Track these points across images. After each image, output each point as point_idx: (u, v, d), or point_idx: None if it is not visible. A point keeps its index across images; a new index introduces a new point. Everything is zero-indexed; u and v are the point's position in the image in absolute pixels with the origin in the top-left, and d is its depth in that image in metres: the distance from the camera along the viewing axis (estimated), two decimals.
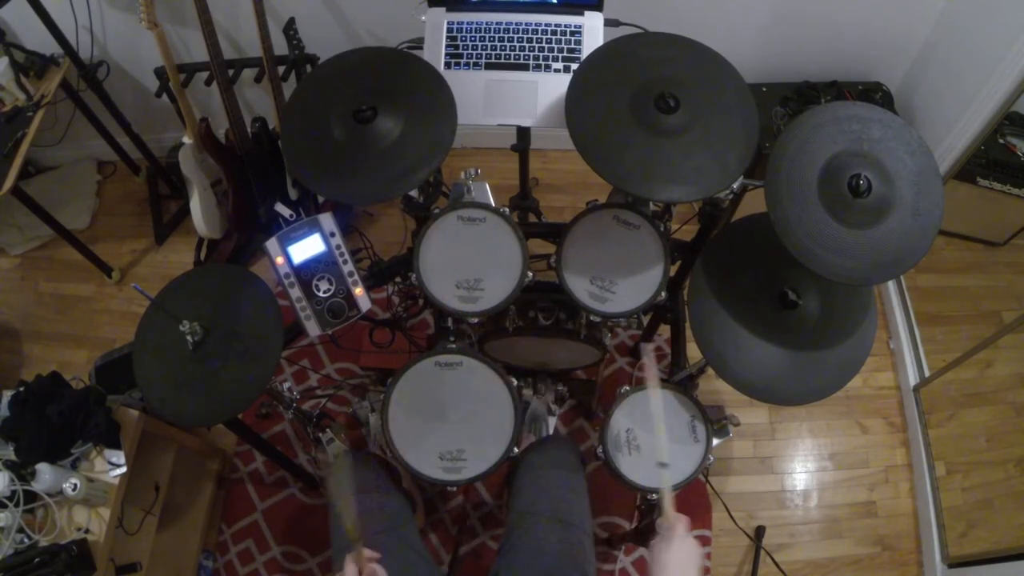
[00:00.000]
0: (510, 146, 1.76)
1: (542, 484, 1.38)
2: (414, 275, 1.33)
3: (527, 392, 1.87)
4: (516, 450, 1.29)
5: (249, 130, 2.07)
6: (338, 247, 1.30)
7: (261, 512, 2.01)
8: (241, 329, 1.27)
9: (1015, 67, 1.72)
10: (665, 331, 2.05)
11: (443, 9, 1.49)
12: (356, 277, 1.31)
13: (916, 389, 2.13)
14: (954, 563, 1.84)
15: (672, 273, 1.38)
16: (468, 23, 1.48)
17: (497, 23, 1.48)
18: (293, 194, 2.23)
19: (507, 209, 1.35)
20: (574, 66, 1.43)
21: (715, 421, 1.36)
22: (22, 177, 2.01)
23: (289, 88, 2.00)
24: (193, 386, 1.25)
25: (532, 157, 1.92)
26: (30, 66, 2.04)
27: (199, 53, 2.07)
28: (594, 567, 1.31)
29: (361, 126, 1.22)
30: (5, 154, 1.92)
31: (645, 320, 1.97)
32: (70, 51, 2.03)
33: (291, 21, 2.01)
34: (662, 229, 1.36)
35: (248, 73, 2.08)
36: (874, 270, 1.10)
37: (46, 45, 2.02)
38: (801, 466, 2.12)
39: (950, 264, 2.30)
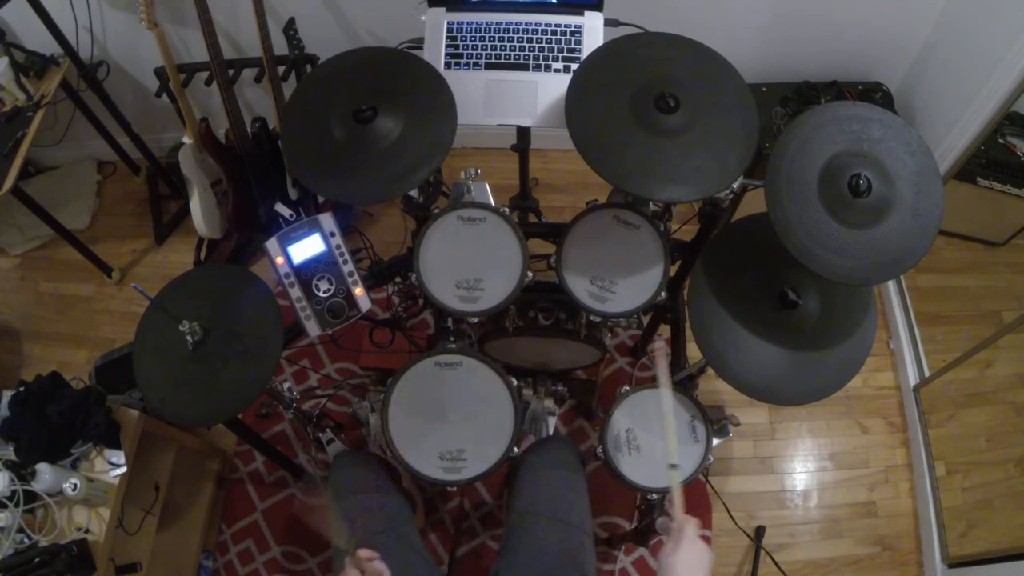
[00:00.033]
0: (510, 146, 1.76)
1: (542, 484, 1.38)
2: (414, 275, 1.33)
3: (527, 392, 1.87)
4: (516, 450, 1.29)
5: (249, 130, 2.07)
6: (338, 247, 1.30)
7: (261, 512, 2.02)
8: (241, 329, 1.27)
9: (1015, 67, 1.72)
10: (665, 331, 2.05)
11: (443, 9, 1.49)
12: (356, 277, 1.31)
13: (916, 389, 2.13)
14: (954, 563, 1.84)
15: (672, 273, 1.38)
16: (468, 23, 1.48)
17: (497, 23, 1.48)
18: (293, 194, 2.23)
19: (507, 209, 1.35)
20: (574, 66, 1.43)
21: (715, 421, 1.36)
22: (22, 177, 2.01)
23: (289, 88, 2.00)
24: (193, 386, 1.25)
25: (532, 157, 1.92)
26: (30, 66, 2.04)
27: (199, 53, 2.07)
28: (594, 567, 1.31)
29: (361, 126, 1.22)
30: (5, 154, 1.92)
31: (645, 320, 1.97)
32: (70, 51, 2.03)
33: (291, 21, 2.01)
34: (662, 229, 1.36)
35: (248, 73, 2.08)
36: (874, 270, 1.10)
37: (46, 45, 2.02)
38: (801, 466, 2.12)
39: (950, 264, 2.29)
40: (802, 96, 2.12)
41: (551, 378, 1.91)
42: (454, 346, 1.35)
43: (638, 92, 1.20)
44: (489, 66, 1.47)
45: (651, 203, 1.41)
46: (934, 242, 1.10)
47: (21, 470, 1.40)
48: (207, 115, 2.02)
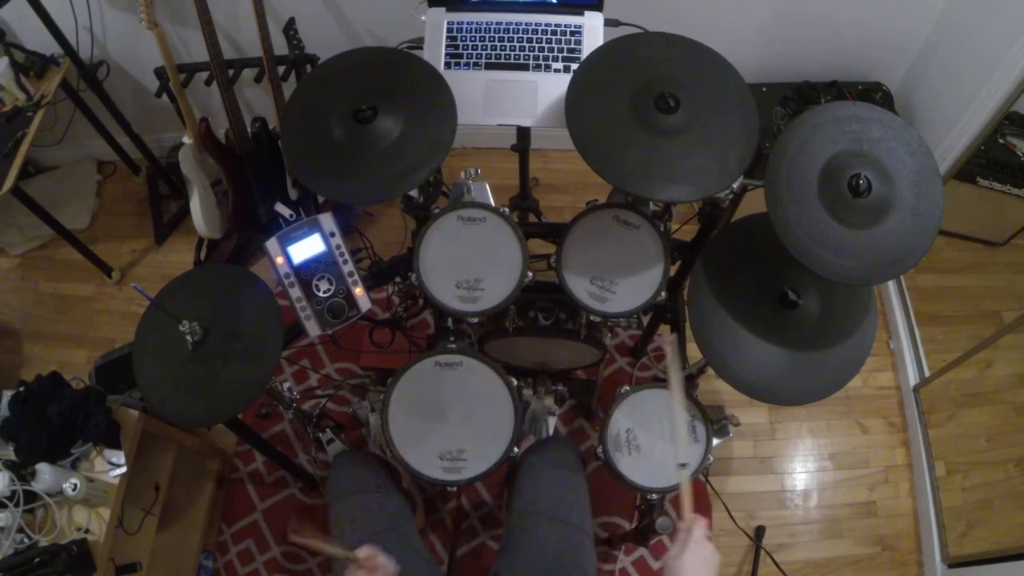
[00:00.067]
0: (510, 146, 1.76)
1: (542, 484, 1.38)
2: (414, 275, 1.33)
3: (527, 392, 1.87)
4: (516, 450, 1.29)
5: (249, 130, 2.07)
6: (338, 247, 1.30)
7: (261, 512, 2.01)
8: (241, 329, 1.27)
9: (1015, 67, 1.72)
10: (665, 331, 2.05)
11: (443, 9, 1.49)
12: (356, 277, 1.31)
13: (916, 389, 2.13)
14: (954, 563, 1.84)
15: (672, 273, 1.38)
16: (468, 23, 1.48)
17: (497, 23, 1.48)
18: (293, 194, 2.23)
19: (507, 209, 1.35)
20: (574, 66, 1.43)
21: (715, 421, 1.36)
22: (22, 177, 2.01)
23: (289, 88, 2.00)
24: (193, 386, 1.25)
25: (532, 157, 1.92)
26: (30, 66, 2.04)
27: (199, 53, 2.07)
28: (594, 567, 1.31)
29: (361, 126, 1.22)
30: (5, 154, 1.92)
31: (645, 320, 1.97)
32: (70, 51, 2.03)
33: (291, 21, 2.01)
34: (662, 229, 1.36)
35: (248, 73, 2.08)
36: (874, 270, 1.10)
37: (46, 45, 2.02)
38: (801, 466, 2.12)
39: (950, 264, 2.29)
40: (802, 96, 2.12)
41: (551, 378, 1.91)
42: (454, 346, 1.36)
43: (638, 92, 1.20)
44: (489, 66, 1.47)
45: (651, 203, 1.41)
46: (934, 242, 1.10)
47: (21, 470, 1.40)
48: (207, 115, 2.02)
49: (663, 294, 1.33)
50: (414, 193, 1.40)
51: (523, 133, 1.72)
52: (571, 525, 1.31)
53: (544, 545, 1.28)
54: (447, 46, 1.48)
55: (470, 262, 1.34)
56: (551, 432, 1.89)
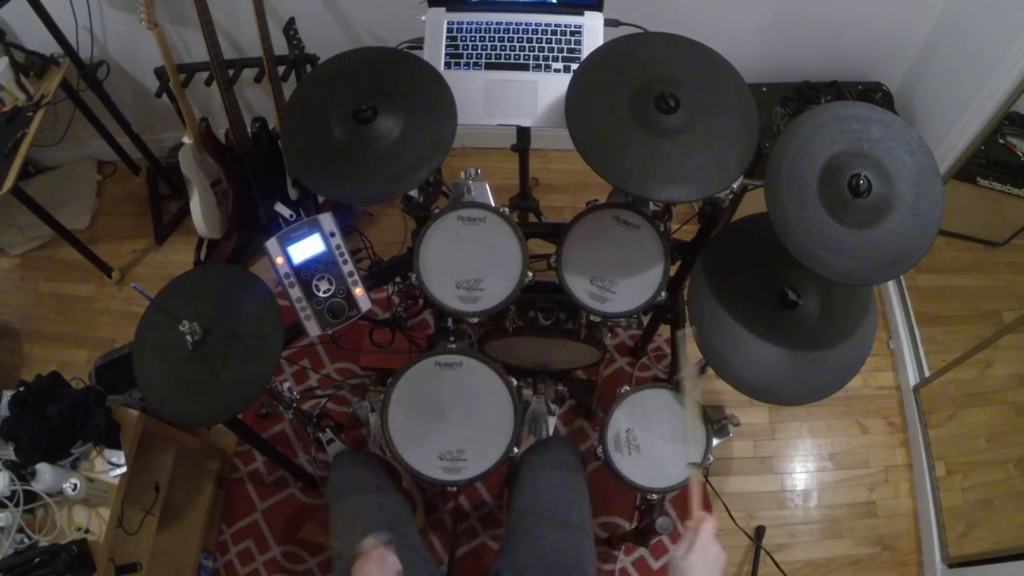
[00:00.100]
0: (510, 146, 1.76)
1: (542, 484, 1.38)
2: (414, 275, 1.33)
3: (527, 392, 1.87)
4: (516, 450, 1.29)
5: (249, 130, 2.07)
6: (338, 247, 1.30)
7: (261, 512, 2.01)
8: (241, 329, 1.27)
9: (1015, 67, 1.72)
10: (665, 331, 2.05)
11: (443, 9, 1.49)
12: (356, 277, 1.31)
13: (916, 389, 2.13)
14: (954, 563, 1.84)
15: (672, 273, 1.38)
16: (468, 23, 1.48)
17: (497, 23, 1.48)
18: (293, 194, 2.23)
19: (507, 209, 1.35)
20: (574, 66, 1.43)
21: (715, 421, 1.36)
22: (22, 177, 2.01)
23: (289, 88, 2.00)
24: (193, 386, 1.25)
25: (532, 157, 1.92)
26: (30, 66, 2.04)
27: (199, 53, 2.07)
28: (595, 567, 1.31)
29: (361, 126, 1.22)
30: (5, 154, 1.92)
31: (645, 320, 1.97)
32: (70, 51, 2.03)
33: (291, 21, 2.01)
34: (662, 229, 1.36)
35: (248, 73, 2.08)
36: (874, 270, 1.10)
37: (46, 45, 2.02)
38: (801, 466, 2.12)
39: (950, 264, 2.29)
40: (802, 96, 2.12)
41: (551, 378, 1.91)
42: (454, 346, 1.35)
43: (638, 92, 1.20)
44: (489, 66, 1.47)
45: (651, 203, 1.41)
46: (934, 242, 1.10)
47: (21, 470, 1.40)
48: (207, 115, 2.02)
49: (663, 294, 1.33)
50: (414, 193, 1.40)
51: (523, 133, 1.72)
52: (571, 525, 1.31)
53: (544, 545, 1.28)
54: (447, 46, 1.48)
55: (470, 262, 1.34)
56: (551, 432, 1.89)
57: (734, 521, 1.97)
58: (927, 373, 2.11)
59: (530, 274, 1.32)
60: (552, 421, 1.91)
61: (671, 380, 1.50)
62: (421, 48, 1.49)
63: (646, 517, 1.46)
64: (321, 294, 1.28)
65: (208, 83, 2.00)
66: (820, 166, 1.11)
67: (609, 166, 1.16)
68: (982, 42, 1.86)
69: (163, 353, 1.27)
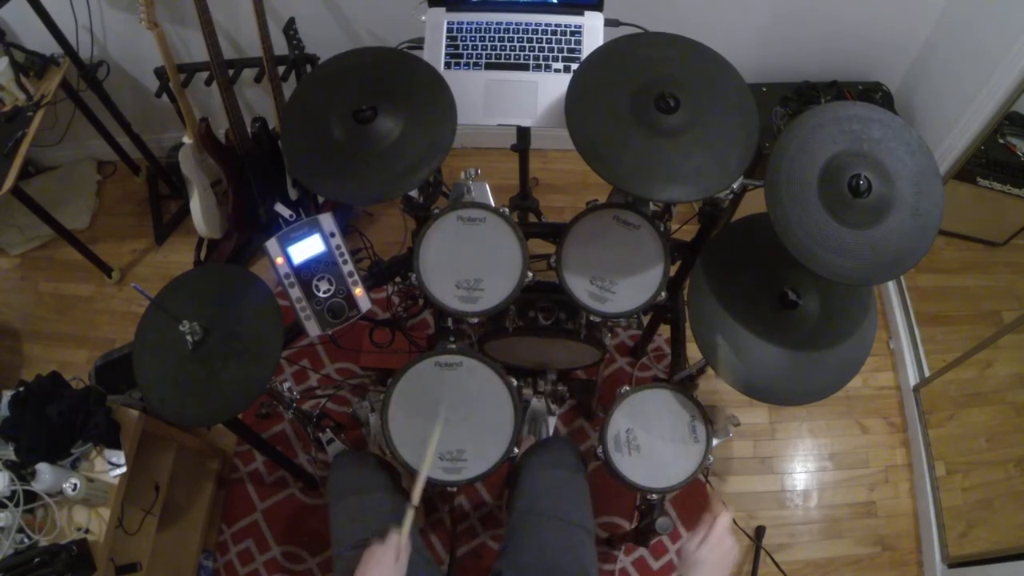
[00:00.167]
0: (510, 146, 1.76)
1: (543, 484, 1.38)
2: (414, 275, 1.33)
3: (527, 392, 1.87)
4: (516, 451, 1.29)
5: (249, 130, 2.07)
6: (338, 247, 1.30)
7: (261, 512, 2.01)
8: (241, 329, 1.27)
9: (1015, 67, 1.72)
10: (665, 331, 2.05)
11: (443, 9, 1.49)
12: (356, 277, 1.31)
13: (916, 389, 2.13)
14: (954, 563, 1.84)
15: (672, 273, 1.38)
16: (468, 23, 1.48)
17: (497, 23, 1.48)
18: (293, 194, 2.23)
19: (507, 209, 1.35)
20: (574, 66, 1.43)
21: (715, 421, 1.36)
22: (22, 177, 2.01)
23: (289, 88, 2.00)
24: (193, 386, 1.25)
25: (532, 157, 1.92)
26: (30, 66, 2.04)
27: (199, 53, 2.07)
28: (596, 567, 1.31)
29: (361, 126, 1.22)
30: (5, 154, 1.92)
31: (645, 320, 1.97)
32: (70, 51, 2.03)
33: (291, 21, 2.01)
34: (662, 229, 1.36)
35: (248, 73, 2.08)
36: (874, 270, 1.10)
37: (46, 45, 2.02)
38: (801, 466, 2.12)
39: (950, 264, 2.29)
40: (802, 96, 2.12)
41: (551, 378, 1.91)
42: (454, 346, 1.35)
43: (638, 92, 1.20)
44: (489, 66, 1.47)
45: (651, 203, 1.41)
46: (934, 242, 1.10)
47: (21, 470, 1.40)
48: (207, 115, 2.02)
49: (663, 294, 1.33)
50: (414, 193, 1.40)
51: (523, 133, 1.72)
52: (572, 524, 1.31)
53: (546, 544, 1.28)
54: (447, 46, 1.48)
55: (470, 262, 1.34)
56: (551, 432, 1.89)
57: (734, 521, 1.97)
58: (927, 373, 2.11)
59: (530, 274, 1.32)
60: (552, 421, 1.91)
61: (671, 380, 1.50)
62: (421, 48, 1.49)
63: (646, 517, 1.46)
64: (321, 294, 1.28)
65: (208, 83, 2.00)
66: (820, 166, 1.11)
67: (609, 166, 1.16)
68: (982, 42, 1.86)
69: (163, 353, 1.27)
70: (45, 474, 1.39)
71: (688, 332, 1.37)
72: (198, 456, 1.99)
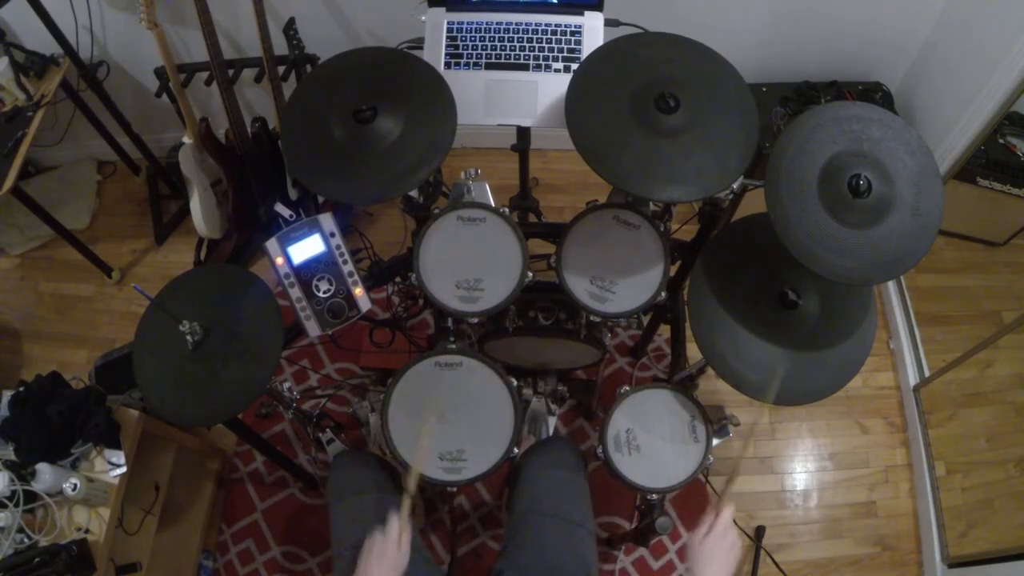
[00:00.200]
0: (510, 146, 1.76)
1: (544, 484, 1.38)
2: (414, 275, 1.33)
3: (527, 392, 1.87)
4: (516, 451, 1.29)
5: (249, 130, 2.07)
6: (338, 247, 1.30)
7: (261, 512, 2.01)
8: (241, 329, 1.27)
9: (1015, 67, 1.72)
10: (665, 331, 2.05)
11: (443, 9, 1.49)
12: (356, 277, 1.31)
13: (916, 389, 2.13)
14: (954, 563, 1.84)
15: (672, 273, 1.38)
16: (468, 23, 1.48)
17: (497, 23, 1.48)
18: (293, 194, 2.23)
19: (507, 209, 1.35)
20: (574, 66, 1.43)
21: (715, 421, 1.36)
22: (22, 177, 2.01)
23: (289, 88, 2.00)
24: (193, 386, 1.25)
25: (532, 157, 1.92)
26: (30, 66, 2.04)
27: (199, 53, 2.07)
28: (597, 566, 1.31)
29: (361, 126, 1.22)
30: (5, 154, 1.92)
31: (645, 320, 1.97)
32: (70, 51, 2.03)
33: (291, 21, 2.01)
34: (662, 229, 1.36)
35: (248, 73, 2.08)
36: (874, 270, 1.10)
37: (46, 45, 2.02)
38: (801, 466, 2.12)
39: (950, 264, 2.30)
40: (802, 96, 2.12)
41: (551, 378, 1.91)
42: (454, 346, 1.36)
43: (638, 92, 1.20)
44: (489, 66, 1.47)
45: (651, 203, 1.41)
46: (934, 242, 1.10)
47: (21, 470, 1.40)
48: (207, 115, 2.02)
49: (663, 294, 1.33)
50: (414, 193, 1.40)
51: (523, 133, 1.72)
52: (573, 524, 1.32)
53: (546, 543, 1.28)
54: (447, 46, 1.48)
55: (470, 262, 1.34)
56: (551, 432, 1.89)
57: (734, 521, 1.97)
58: (927, 373, 2.11)
59: (530, 274, 1.32)
60: (552, 421, 1.91)
61: (671, 380, 1.50)
62: (421, 48, 1.49)
63: (646, 517, 1.46)
64: (321, 294, 1.28)
65: (208, 83, 2.00)
66: (820, 166, 1.11)
67: (609, 166, 1.16)
68: (982, 42, 1.86)
69: (163, 353, 1.27)
70: (45, 474, 1.39)
71: (688, 332, 1.37)
72: (198, 456, 1.99)
